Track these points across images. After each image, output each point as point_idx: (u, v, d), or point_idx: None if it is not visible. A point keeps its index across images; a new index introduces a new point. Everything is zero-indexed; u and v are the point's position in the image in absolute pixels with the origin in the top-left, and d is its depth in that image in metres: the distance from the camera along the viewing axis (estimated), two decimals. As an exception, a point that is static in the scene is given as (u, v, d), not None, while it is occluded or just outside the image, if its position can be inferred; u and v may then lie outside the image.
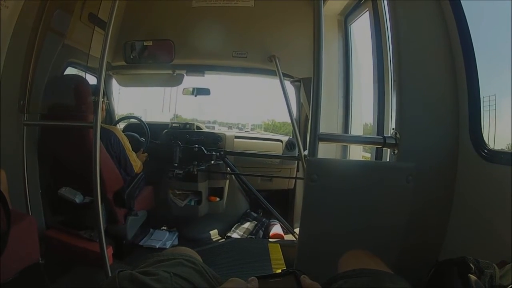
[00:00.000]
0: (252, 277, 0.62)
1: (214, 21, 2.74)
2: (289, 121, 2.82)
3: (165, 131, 3.21)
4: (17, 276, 1.50)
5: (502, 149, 1.28)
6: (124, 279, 0.66)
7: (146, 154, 2.77)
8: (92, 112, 1.84)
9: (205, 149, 2.94)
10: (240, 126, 4.68)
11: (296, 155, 3.18)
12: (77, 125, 1.98)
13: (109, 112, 3.43)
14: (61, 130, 2.06)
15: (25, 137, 1.92)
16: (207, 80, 3.33)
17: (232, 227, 3.04)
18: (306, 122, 3.21)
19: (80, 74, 2.55)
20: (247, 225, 3.04)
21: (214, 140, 3.19)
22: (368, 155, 2.42)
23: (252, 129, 4.60)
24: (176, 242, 2.75)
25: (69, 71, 2.52)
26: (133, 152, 2.52)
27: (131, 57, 2.69)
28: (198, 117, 4.14)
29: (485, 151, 1.26)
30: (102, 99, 1.81)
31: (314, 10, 1.36)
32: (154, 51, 2.70)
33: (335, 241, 1.22)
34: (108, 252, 1.92)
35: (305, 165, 1.42)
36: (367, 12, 2.19)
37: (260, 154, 3.23)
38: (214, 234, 2.97)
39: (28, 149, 1.96)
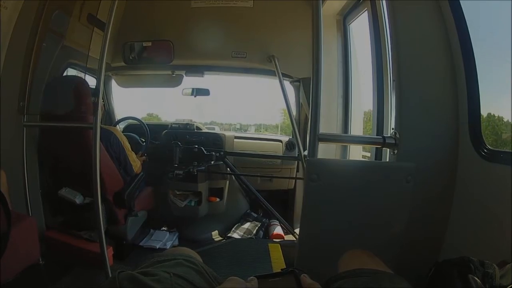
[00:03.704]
0: (252, 277, 0.62)
1: (213, 22, 2.74)
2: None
3: (164, 131, 3.22)
4: (17, 277, 1.50)
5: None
6: (124, 279, 0.66)
7: (144, 157, 2.77)
8: (92, 113, 1.83)
9: (205, 149, 2.94)
10: (238, 126, 4.63)
11: (296, 155, 3.17)
12: (77, 126, 1.98)
13: (109, 113, 3.43)
14: (61, 131, 2.05)
15: (25, 138, 1.92)
16: (206, 80, 3.33)
17: (232, 228, 3.05)
18: (306, 122, 3.22)
19: (79, 75, 2.55)
20: (247, 225, 3.05)
21: (214, 141, 3.18)
22: (368, 154, 2.42)
23: (256, 130, 4.56)
24: (176, 243, 2.75)
25: (69, 72, 2.51)
26: (133, 152, 2.52)
27: (130, 58, 2.68)
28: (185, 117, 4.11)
29: (485, 150, 1.25)
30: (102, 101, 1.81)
31: (312, 10, 1.36)
32: (153, 52, 2.69)
33: (335, 241, 1.23)
34: (108, 252, 1.92)
35: (305, 165, 1.42)
36: (366, 11, 2.19)
37: (260, 155, 3.23)
38: (214, 234, 2.98)
39: (28, 150, 1.96)
